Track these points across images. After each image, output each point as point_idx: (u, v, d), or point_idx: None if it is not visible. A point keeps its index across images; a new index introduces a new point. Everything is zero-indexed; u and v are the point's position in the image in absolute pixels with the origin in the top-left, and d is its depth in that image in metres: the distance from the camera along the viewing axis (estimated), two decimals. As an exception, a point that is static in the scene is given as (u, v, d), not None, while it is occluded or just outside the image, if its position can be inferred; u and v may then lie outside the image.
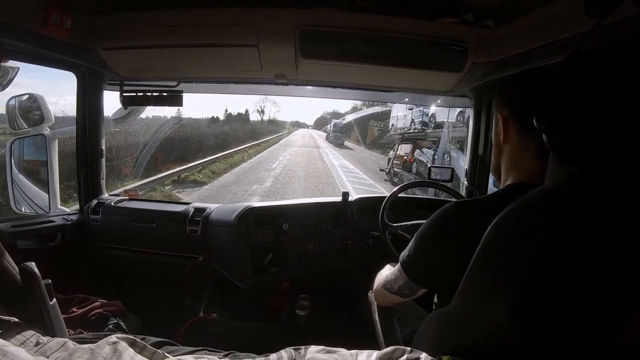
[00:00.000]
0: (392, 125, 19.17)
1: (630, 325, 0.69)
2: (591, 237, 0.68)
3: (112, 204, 2.51)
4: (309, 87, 2.66)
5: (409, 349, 0.80)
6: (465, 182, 2.65)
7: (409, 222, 2.19)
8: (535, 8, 1.58)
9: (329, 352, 0.82)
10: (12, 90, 2.35)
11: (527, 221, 0.74)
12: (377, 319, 1.64)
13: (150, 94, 2.41)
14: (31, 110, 2.59)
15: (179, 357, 0.84)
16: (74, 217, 2.46)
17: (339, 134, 31.84)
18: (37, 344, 0.83)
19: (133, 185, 9.50)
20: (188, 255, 2.43)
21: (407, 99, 2.96)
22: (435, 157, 12.83)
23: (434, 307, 1.39)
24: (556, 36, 1.49)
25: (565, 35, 1.45)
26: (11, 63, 2.09)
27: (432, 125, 13.83)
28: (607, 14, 0.92)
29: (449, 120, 11.89)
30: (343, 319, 2.37)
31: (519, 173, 1.10)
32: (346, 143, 31.73)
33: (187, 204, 2.56)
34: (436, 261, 1.11)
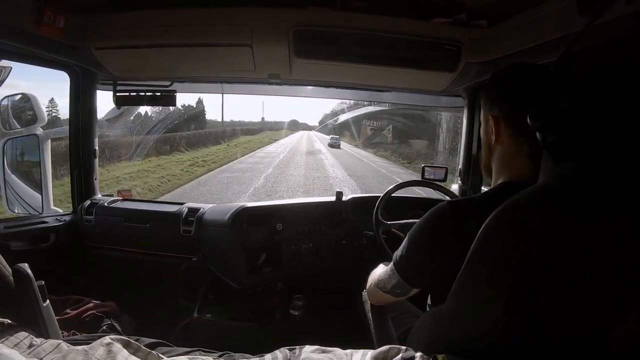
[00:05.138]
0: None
1: (628, 323, 0.70)
2: (585, 234, 0.69)
3: (106, 204, 2.49)
4: (303, 87, 2.67)
5: (403, 347, 0.81)
6: (459, 182, 2.66)
7: (403, 221, 2.19)
8: (529, 8, 1.59)
9: (323, 351, 0.83)
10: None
11: (522, 218, 0.75)
12: (371, 318, 1.65)
13: (143, 94, 2.41)
14: (24, 110, 2.58)
15: (173, 357, 0.84)
16: (67, 218, 2.45)
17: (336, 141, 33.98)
18: (31, 345, 0.82)
19: None
20: (182, 256, 2.43)
21: (400, 99, 2.95)
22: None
23: (427, 308, 1.40)
24: (549, 36, 1.50)
25: (558, 35, 1.46)
26: (4, 63, 2.08)
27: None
28: (599, 13, 0.93)
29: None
30: (337, 319, 2.37)
31: (510, 172, 1.09)
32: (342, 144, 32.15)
33: (181, 204, 2.55)
34: (429, 261, 1.11)
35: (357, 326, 1.80)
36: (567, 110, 0.69)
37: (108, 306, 2.10)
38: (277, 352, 0.85)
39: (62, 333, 1.27)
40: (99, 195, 2.63)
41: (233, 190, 14.48)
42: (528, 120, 0.75)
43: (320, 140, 39.26)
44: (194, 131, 24.33)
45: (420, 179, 2.49)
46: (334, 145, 33.66)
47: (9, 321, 0.91)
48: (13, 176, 2.61)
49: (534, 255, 0.71)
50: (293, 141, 39.68)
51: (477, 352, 0.78)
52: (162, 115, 16.65)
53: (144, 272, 2.48)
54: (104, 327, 1.97)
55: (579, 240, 0.69)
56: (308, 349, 0.84)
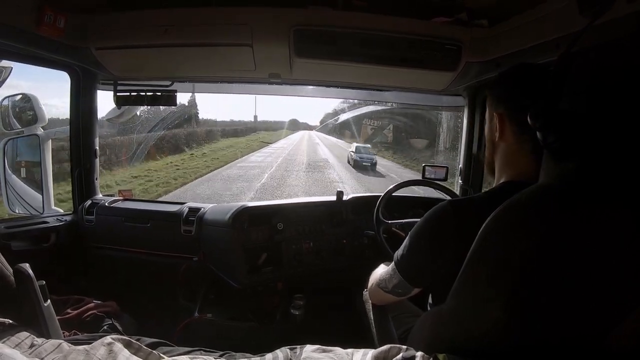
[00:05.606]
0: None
1: (628, 322, 0.70)
2: (585, 234, 0.69)
3: (106, 204, 2.50)
4: (304, 87, 2.66)
5: (404, 347, 0.81)
6: (460, 181, 2.66)
7: (404, 220, 2.19)
8: (529, 8, 1.59)
9: (324, 351, 0.83)
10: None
11: (522, 218, 0.75)
12: (372, 317, 1.65)
13: (144, 93, 2.41)
14: (25, 110, 2.57)
15: (174, 357, 0.84)
16: (67, 218, 2.45)
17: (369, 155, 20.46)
18: (32, 345, 0.82)
19: None
20: (183, 256, 2.43)
21: (401, 98, 2.95)
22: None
23: (428, 308, 1.39)
24: (549, 35, 1.50)
25: (558, 35, 1.46)
26: (4, 63, 2.08)
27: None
28: (600, 13, 0.93)
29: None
30: (338, 318, 2.36)
31: (513, 171, 1.09)
32: (339, 142, 30.33)
33: (182, 203, 2.55)
34: (430, 261, 1.11)
35: (357, 326, 1.81)
36: (567, 110, 0.69)
37: (109, 306, 2.10)
38: (278, 351, 0.85)
39: (63, 333, 1.27)
40: (99, 195, 2.63)
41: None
42: (528, 120, 0.75)
43: (322, 141, 34.31)
44: (138, 134, 15.00)
45: (420, 179, 2.49)
46: (362, 163, 19.24)
47: (10, 321, 0.91)
48: (14, 176, 2.61)
49: (534, 255, 0.71)
50: (290, 145, 32.00)
51: (477, 352, 0.78)
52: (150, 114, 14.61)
53: (144, 272, 2.48)
54: (105, 327, 1.97)
55: (579, 241, 0.69)
56: (309, 348, 0.84)
